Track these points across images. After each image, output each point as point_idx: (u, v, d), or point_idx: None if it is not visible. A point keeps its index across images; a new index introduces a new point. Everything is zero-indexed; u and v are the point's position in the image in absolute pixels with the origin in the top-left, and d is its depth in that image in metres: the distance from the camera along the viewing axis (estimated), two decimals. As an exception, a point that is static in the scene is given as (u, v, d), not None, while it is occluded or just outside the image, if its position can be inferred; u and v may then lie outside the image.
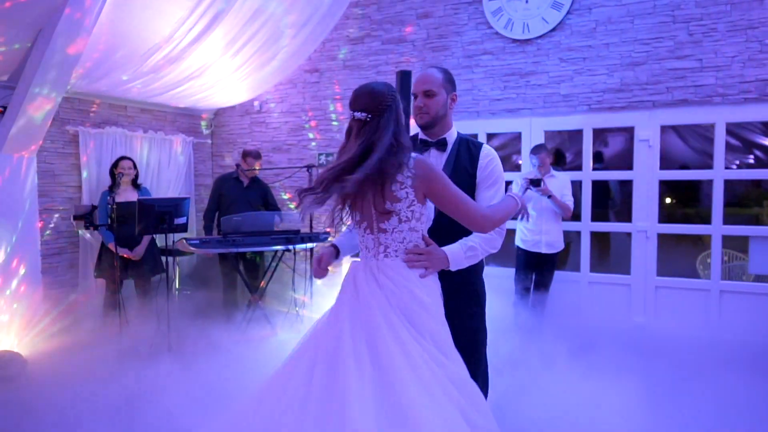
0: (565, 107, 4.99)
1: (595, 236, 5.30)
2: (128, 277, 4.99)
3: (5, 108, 4.66)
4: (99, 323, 4.80)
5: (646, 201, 4.73)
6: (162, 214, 4.31)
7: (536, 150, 4.72)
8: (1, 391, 3.74)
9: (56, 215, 5.23)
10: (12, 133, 4.67)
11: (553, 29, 4.94)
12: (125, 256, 4.80)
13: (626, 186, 5.17)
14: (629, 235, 4.90)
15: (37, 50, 4.44)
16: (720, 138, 4.51)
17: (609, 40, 4.78)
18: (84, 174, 5.36)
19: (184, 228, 4.52)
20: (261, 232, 4.88)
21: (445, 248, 2.03)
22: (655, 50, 4.61)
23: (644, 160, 4.72)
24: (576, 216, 5.03)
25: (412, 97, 2.26)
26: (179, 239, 4.66)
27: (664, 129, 4.73)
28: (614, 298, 4.90)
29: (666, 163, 4.87)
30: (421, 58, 5.59)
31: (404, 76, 5.16)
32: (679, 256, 5.66)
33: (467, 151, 2.23)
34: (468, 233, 2.10)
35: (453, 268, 2.03)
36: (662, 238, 4.83)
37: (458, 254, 2.04)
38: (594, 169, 5.09)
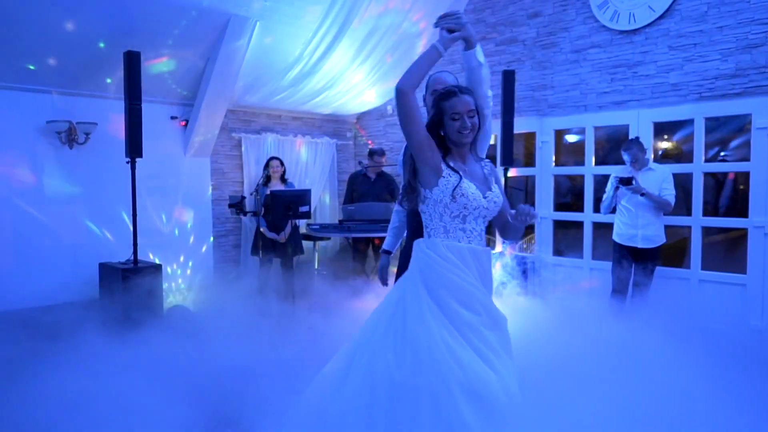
0: (674, 97, 4.77)
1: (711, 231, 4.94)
2: (276, 256, 6.02)
3: (187, 121, 6.06)
4: (252, 289, 5.90)
5: (764, 195, 4.32)
6: (289, 204, 5.23)
7: (627, 146, 4.62)
8: (173, 335, 4.95)
9: (225, 205, 6.55)
10: (192, 140, 6.06)
11: (661, 16, 4.76)
12: (274, 239, 5.84)
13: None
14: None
15: (207, 74, 5.71)
16: None
17: (723, 23, 4.46)
18: (245, 171, 6.62)
19: (307, 215, 5.39)
20: (372, 220, 5.57)
21: None
22: (775, 30, 4.20)
23: (763, 150, 4.32)
24: (687, 210, 4.78)
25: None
26: (306, 224, 5.59)
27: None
28: (728, 300, 4.55)
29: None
30: (531, 57, 5.75)
31: (507, 76, 5.45)
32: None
33: None
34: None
35: None
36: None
37: None
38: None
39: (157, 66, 5.47)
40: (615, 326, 4.36)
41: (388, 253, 3.02)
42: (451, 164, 2.17)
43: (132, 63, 4.80)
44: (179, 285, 6.07)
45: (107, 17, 4.81)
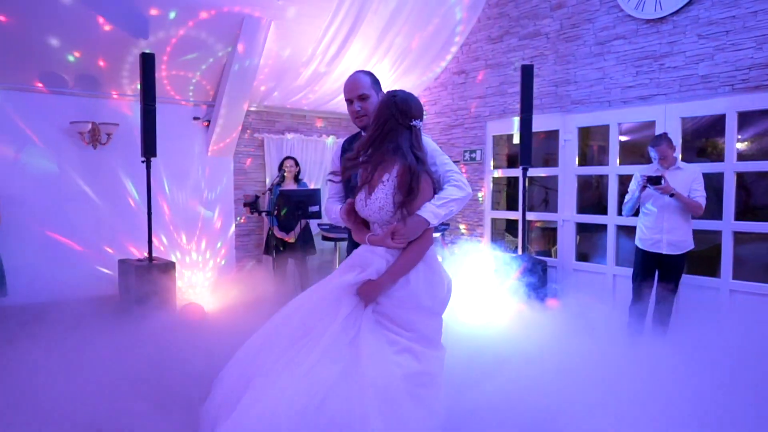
0: (703, 90, 4.38)
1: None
2: (288, 256, 6.02)
3: (209, 121, 6.17)
4: (265, 289, 5.93)
5: (803, 197, 3.88)
6: (298, 203, 5.20)
7: (656, 141, 4.25)
8: (186, 331, 5.03)
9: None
10: (213, 140, 6.15)
11: (690, 3, 4.38)
12: (283, 238, 5.85)
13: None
14: None
15: (225, 75, 5.79)
16: None
17: (758, 7, 4.05)
18: (267, 171, 6.66)
19: (317, 215, 5.35)
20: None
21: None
22: (816, 12, 3.76)
23: (801, 147, 3.88)
24: (718, 214, 4.38)
25: (347, 103, 2.47)
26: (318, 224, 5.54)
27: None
28: (762, 313, 4.12)
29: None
30: (555, 50, 5.46)
31: (526, 71, 5.21)
32: None
33: None
34: None
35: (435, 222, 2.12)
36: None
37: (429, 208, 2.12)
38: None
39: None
40: (630, 341, 4.06)
41: None
42: None
43: (147, 64, 4.93)
44: (200, 282, 6.19)
45: (126, 21, 4.95)
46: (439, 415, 2.07)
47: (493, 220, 6.38)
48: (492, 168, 6.31)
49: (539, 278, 5.31)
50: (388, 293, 2.10)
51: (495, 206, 6.39)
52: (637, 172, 4.45)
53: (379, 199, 2.16)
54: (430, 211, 2.10)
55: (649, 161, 4.42)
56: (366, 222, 2.27)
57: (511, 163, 6.67)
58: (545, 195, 6.89)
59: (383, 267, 2.10)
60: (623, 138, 5.97)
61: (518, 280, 5.26)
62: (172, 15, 5.05)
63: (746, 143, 4.99)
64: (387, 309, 2.10)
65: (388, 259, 2.12)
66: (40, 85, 5.16)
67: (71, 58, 5.07)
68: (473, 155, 6.42)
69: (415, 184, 2.09)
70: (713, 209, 4.43)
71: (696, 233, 4.28)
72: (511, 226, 6.69)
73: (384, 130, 2.15)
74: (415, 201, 2.09)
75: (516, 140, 6.81)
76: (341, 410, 1.88)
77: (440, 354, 2.18)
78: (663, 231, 4.25)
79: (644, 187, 4.22)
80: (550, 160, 7.02)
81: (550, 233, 6.84)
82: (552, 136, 5.75)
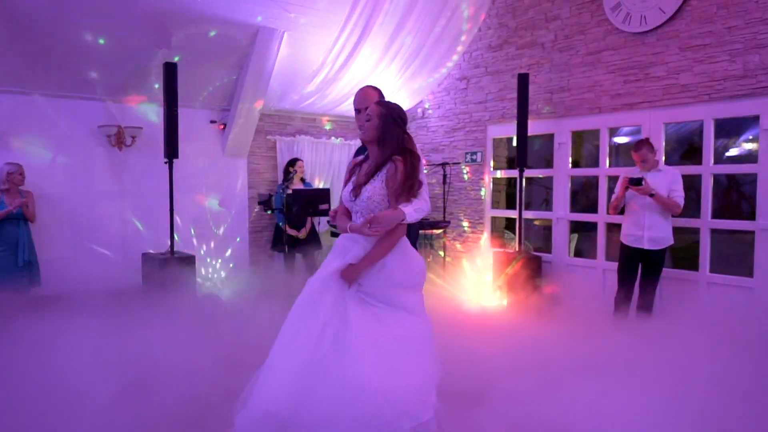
0: (684, 98, 4.74)
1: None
2: (296, 252, 6.41)
3: (225, 124, 6.58)
4: (277, 282, 6.32)
5: (772, 197, 4.24)
6: (309, 202, 5.59)
7: (637, 146, 4.62)
8: (203, 319, 5.42)
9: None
10: (229, 142, 6.56)
11: (671, 18, 4.74)
12: (295, 235, 6.25)
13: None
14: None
15: (240, 82, 6.20)
16: None
17: (731, 23, 4.41)
18: (279, 171, 7.06)
19: (326, 213, 5.73)
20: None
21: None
22: (783, 29, 4.11)
23: (771, 151, 4.24)
24: (695, 212, 4.74)
25: (356, 111, 2.87)
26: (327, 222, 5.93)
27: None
28: (736, 303, 4.48)
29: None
30: (550, 60, 5.83)
31: (522, 79, 5.58)
32: None
33: None
34: None
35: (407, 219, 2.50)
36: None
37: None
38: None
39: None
40: (614, 330, 4.43)
41: None
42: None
43: (170, 73, 5.34)
44: (217, 275, 6.60)
45: (149, 31, 5.36)
46: (430, 374, 2.46)
47: (493, 218, 6.75)
48: (492, 169, 6.68)
49: (535, 272, 5.68)
50: (368, 275, 2.51)
51: (494, 205, 6.76)
52: (622, 174, 4.82)
53: (367, 190, 2.53)
54: (408, 211, 2.51)
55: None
56: (349, 213, 2.68)
57: (511, 165, 7.04)
58: (545, 195, 7.25)
59: (361, 253, 2.50)
60: (624, 140, 6.35)
61: (515, 274, 5.65)
62: (191, 26, 5.46)
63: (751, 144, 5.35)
64: (369, 288, 2.52)
65: (365, 246, 2.52)
66: (71, 92, 5.60)
67: (100, 67, 5.50)
68: (474, 157, 6.79)
69: (407, 184, 2.48)
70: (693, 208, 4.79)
71: (676, 230, 4.64)
72: (511, 224, 7.06)
73: (387, 128, 2.54)
74: (400, 197, 2.47)
75: (515, 143, 7.19)
76: (335, 371, 2.32)
77: (423, 320, 2.57)
78: (645, 228, 4.61)
79: (626, 188, 4.60)
80: (552, 162, 7.40)
81: (548, 231, 7.22)
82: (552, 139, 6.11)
